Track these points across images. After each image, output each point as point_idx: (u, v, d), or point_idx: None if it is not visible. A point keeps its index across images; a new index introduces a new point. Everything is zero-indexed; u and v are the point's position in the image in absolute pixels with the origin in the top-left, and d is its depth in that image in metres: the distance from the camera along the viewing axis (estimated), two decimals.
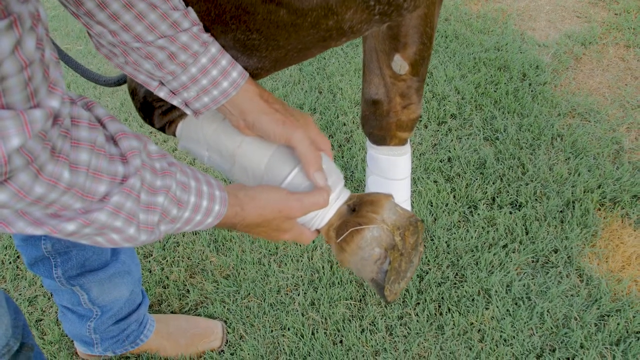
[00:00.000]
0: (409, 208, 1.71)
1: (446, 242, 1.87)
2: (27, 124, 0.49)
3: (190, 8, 0.82)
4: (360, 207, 0.93)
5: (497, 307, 1.67)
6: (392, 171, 1.59)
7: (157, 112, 1.01)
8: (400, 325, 1.67)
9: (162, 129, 1.03)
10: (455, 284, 1.76)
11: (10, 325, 1.02)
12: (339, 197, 0.94)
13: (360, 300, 1.74)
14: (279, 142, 0.90)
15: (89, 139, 0.59)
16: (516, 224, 1.90)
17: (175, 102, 0.87)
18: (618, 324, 1.61)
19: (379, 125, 1.51)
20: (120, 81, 1.17)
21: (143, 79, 0.85)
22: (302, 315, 1.71)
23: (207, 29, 0.85)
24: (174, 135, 1.03)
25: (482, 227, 1.91)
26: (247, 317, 1.73)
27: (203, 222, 0.77)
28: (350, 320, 1.68)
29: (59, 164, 0.55)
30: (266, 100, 0.89)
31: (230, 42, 0.87)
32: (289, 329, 1.68)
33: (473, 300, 1.71)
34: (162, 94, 0.86)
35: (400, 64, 1.37)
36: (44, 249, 1.33)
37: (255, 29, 0.85)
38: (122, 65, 0.85)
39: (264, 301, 1.76)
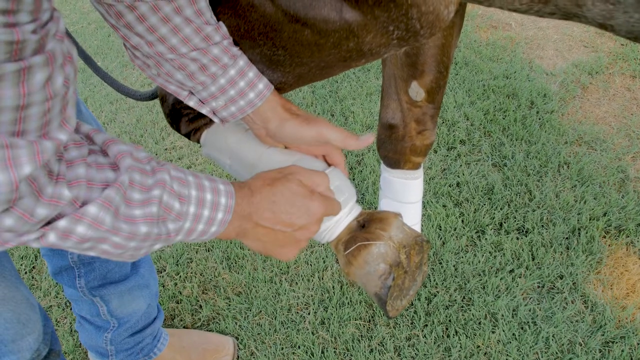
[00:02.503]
0: (419, 231, 1.74)
1: (454, 266, 1.90)
2: (39, 153, 0.52)
3: (221, 23, 0.87)
4: (369, 224, 0.97)
5: (504, 331, 1.70)
6: (405, 194, 1.63)
7: (184, 120, 1.06)
8: (409, 346, 1.70)
9: (187, 135, 1.08)
10: (462, 307, 1.79)
11: (41, 332, 1.06)
12: (350, 212, 0.98)
13: (370, 320, 1.77)
14: (308, 139, 0.93)
15: (80, 156, 0.62)
16: (523, 250, 1.94)
17: (204, 111, 0.91)
18: (622, 350, 1.64)
19: (394, 149, 1.55)
20: (153, 95, 1.22)
21: (174, 89, 0.90)
22: (313, 333, 1.74)
23: (236, 43, 0.90)
24: (198, 142, 1.07)
25: (490, 252, 1.94)
26: (259, 334, 1.76)
27: (214, 218, 0.75)
28: (359, 340, 1.72)
29: (58, 185, 0.57)
30: (288, 109, 0.93)
31: (257, 57, 0.92)
32: (299, 347, 1.71)
33: (480, 323, 1.74)
34: (191, 103, 0.90)
35: (417, 90, 1.42)
36: (70, 258, 1.37)
37: (281, 45, 0.90)
38: (154, 77, 0.90)
39: (275, 319, 1.79)
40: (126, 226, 0.65)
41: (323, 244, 1.95)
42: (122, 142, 0.67)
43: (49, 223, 0.59)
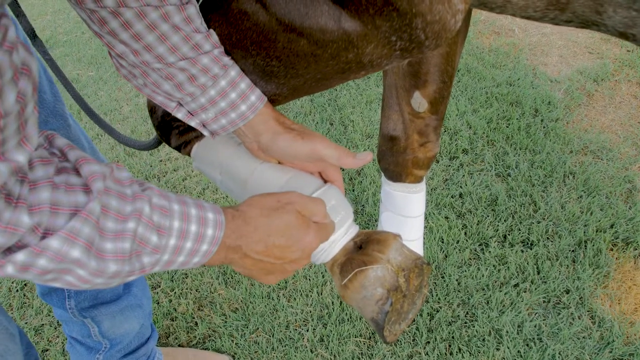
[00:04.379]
0: (421, 245, 1.69)
1: (457, 280, 1.85)
2: None
3: (212, 31, 0.82)
4: (366, 245, 0.92)
5: (508, 348, 1.65)
6: (407, 208, 1.58)
7: (174, 132, 1.01)
8: None
9: (177, 149, 1.03)
10: (465, 323, 1.74)
11: None
12: (346, 233, 0.93)
13: (370, 337, 1.72)
14: (301, 155, 0.89)
15: (45, 176, 0.57)
16: (527, 263, 1.89)
17: (193, 123, 0.87)
18: None
19: (395, 162, 1.50)
20: (155, 144, 1.15)
21: (161, 100, 0.85)
22: (311, 351, 1.69)
23: (227, 53, 0.85)
24: (189, 155, 1.03)
25: (493, 266, 1.89)
26: (256, 352, 1.71)
27: (198, 250, 0.70)
28: (359, 358, 1.66)
29: (17, 210, 0.52)
30: (282, 123, 0.88)
31: (249, 67, 0.88)
32: None
33: (484, 340, 1.68)
34: (180, 115, 0.86)
35: (420, 101, 1.37)
36: None
37: (275, 56, 0.85)
38: (140, 87, 0.86)
39: (273, 336, 1.74)
40: (94, 263, 0.59)
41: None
42: (96, 162, 0.61)
43: (7, 253, 0.54)
